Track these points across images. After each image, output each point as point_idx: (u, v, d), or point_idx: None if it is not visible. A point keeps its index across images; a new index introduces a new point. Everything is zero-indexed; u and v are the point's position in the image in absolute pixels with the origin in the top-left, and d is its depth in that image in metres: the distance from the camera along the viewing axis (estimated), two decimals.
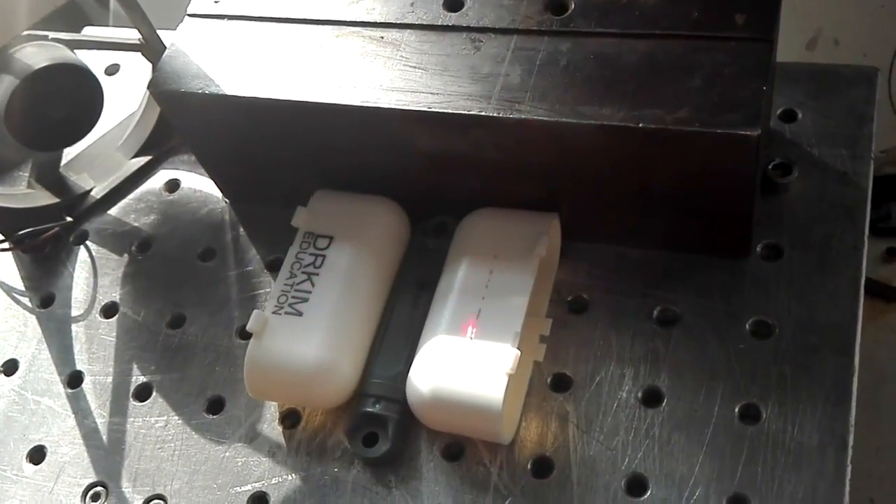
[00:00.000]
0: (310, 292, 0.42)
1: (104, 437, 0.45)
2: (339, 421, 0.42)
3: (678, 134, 0.36)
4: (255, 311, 0.42)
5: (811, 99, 0.46)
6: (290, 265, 0.43)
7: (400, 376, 0.41)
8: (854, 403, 0.38)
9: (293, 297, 0.42)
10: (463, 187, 0.44)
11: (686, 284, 0.42)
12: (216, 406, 0.45)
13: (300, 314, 0.42)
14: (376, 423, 0.41)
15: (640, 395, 0.40)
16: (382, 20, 0.43)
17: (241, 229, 0.50)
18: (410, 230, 0.46)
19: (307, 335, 0.41)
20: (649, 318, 0.42)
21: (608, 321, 0.42)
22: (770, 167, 0.44)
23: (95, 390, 0.47)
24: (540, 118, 0.38)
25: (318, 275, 0.43)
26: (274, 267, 0.48)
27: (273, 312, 0.42)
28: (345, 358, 0.42)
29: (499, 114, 0.39)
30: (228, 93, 0.43)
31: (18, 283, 0.52)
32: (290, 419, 0.43)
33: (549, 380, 0.42)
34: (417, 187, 0.45)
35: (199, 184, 0.52)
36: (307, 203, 0.46)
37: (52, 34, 0.49)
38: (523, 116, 0.38)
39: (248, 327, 0.42)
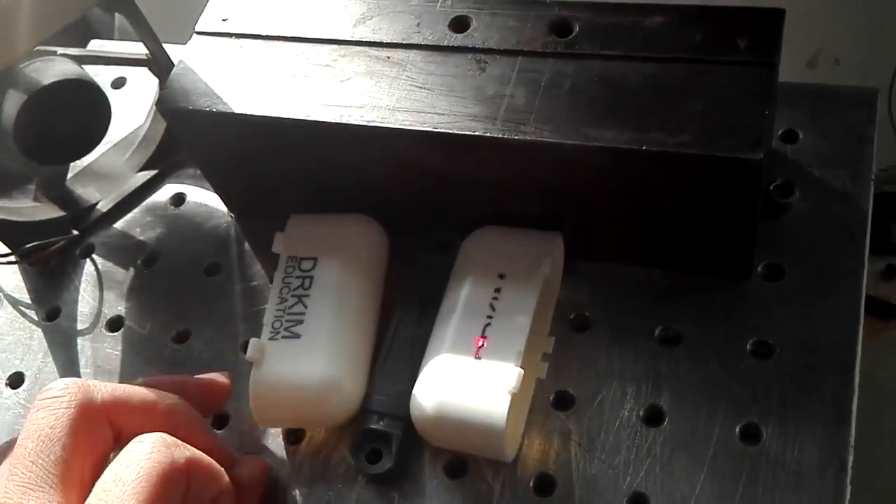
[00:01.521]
0: (304, 314, 0.43)
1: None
2: (343, 437, 0.43)
3: (681, 157, 0.37)
4: (252, 340, 0.42)
5: (812, 120, 0.46)
6: (279, 290, 0.44)
7: (403, 394, 0.41)
8: (854, 423, 0.38)
9: (287, 321, 0.43)
10: (467, 206, 0.44)
11: (688, 304, 0.43)
12: (221, 421, 0.45)
13: (298, 336, 0.42)
14: (380, 440, 0.41)
15: (641, 413, 0.40)
16: (388, 40, 0.43)
17: (246, 244, 0.51)
18: (389, 245, 0.46)
19: (309, 356, 0.41)
20: (651, 337, 0.42)
21: (610, 339, 0.43)
22: (772, 187, 0.44)
23: None
24: (544, 139, 0.39)
25: (308, 296, 0.43)
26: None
27: (270, 339, 0.42)
28: (348, 375, 0.42)
29: (504, 135, 0.39)
30: (236, 111, 0.43)
31: (24, 296, 0.52)
32: (294, 435, 0.44)
33: (551, 397, 0.42)
34: (422, 205, 0.46)
35: (204, 198, 0.53)
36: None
37: (60, 49, 0.50)
38: (528, 138, 0.39)
39: (248, 356, 0.42)
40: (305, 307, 0.43)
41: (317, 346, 0.42)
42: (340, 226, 0.46)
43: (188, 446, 0.36)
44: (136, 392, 0.38)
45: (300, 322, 0.42)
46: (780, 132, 0.46)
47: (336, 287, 0.43)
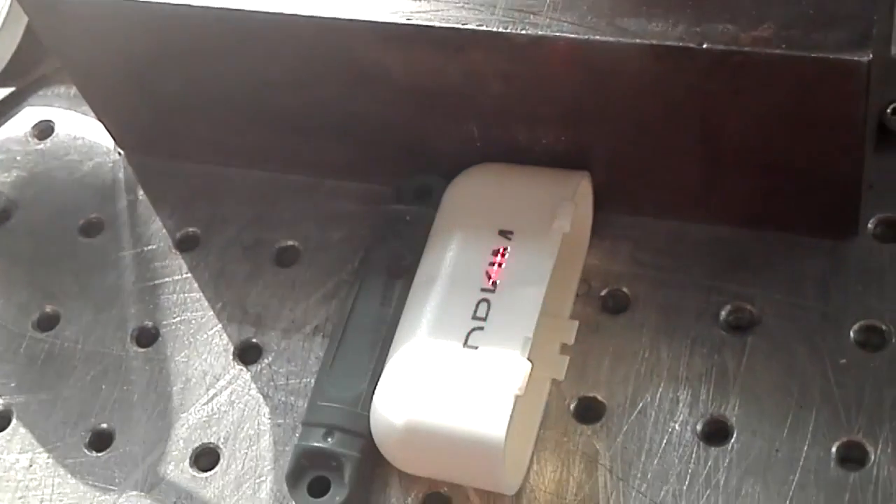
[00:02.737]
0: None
1: None
2: (275, 461, 0.43)
3: (757, 59, 0.37)
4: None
5: None
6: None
7: (362, 398, 0.42)
8: None
9: None
10: (456, 135, 0.45)
11: (768, 275, 0.43)
12: (103, 440, 0.46)
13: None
14: (328, 464, 0.42)
15: (699, 427, 0.41)
16: None
17: (141, 192, 0.51)
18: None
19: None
20: (715, 322, 0.43)
21: (657, 325, 0.43)
22: (889, 111, 0.45)
23: None
24: (564, 35, 0.39)
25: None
26: (187, 245, 0.49)
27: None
28: None
29: (506, 29, 0.40)
30: None
31: None
32: (205, 458, 0.44)
33: (572, 406, 0.43)
34: (392, 136, 0.46)
35: (81, 128, 0.53)
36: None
37: None
38: (540, 33, 0.39)
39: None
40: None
41: None
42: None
43: None
44: None
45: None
46: None
47: None
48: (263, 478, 0.43)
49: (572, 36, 0.39)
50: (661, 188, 0.45)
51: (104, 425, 0.46)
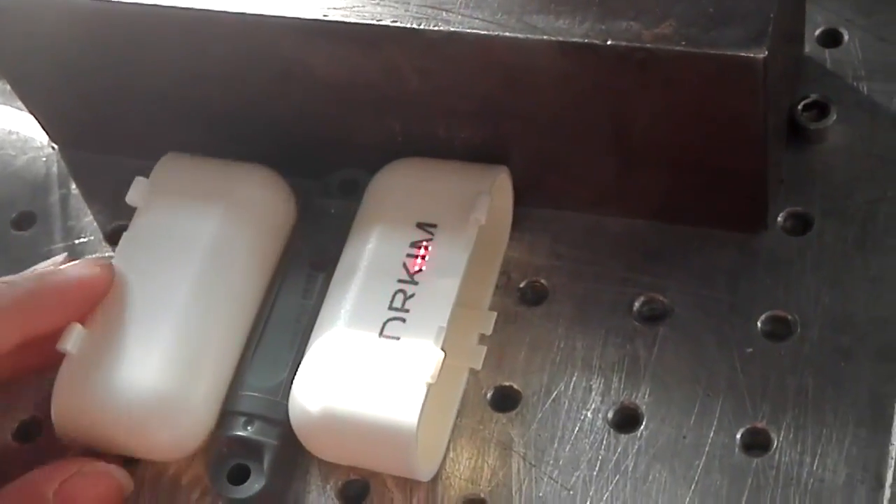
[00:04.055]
0: (154, 295, 0.44)
1: None
2: (197, 451, 0.44)
3: (659, 56, 0.38)
4: (72, 325, 0.43)
5: (861, 15, 0.48)
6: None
7: (282, 388, 0.43)
8: None
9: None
10: (377, 130, 0.46)
11: (680, 267, 0.45)
12: (31, 431, 0.46)
13: (133, 327, 0.43)
14: (248, 453, 0.43)
15: (610, 415, 0.42)
16: None
17: (73, 186, 0.52)
18: (296, 210, 0.48)
19: (142, 356, 0.43)
20: (629, 312, 0.44)
21: (573, 316, 0.44)
22: (800, 107, 0.46)
23: None
24: (474, 31, 0.40)
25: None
26: (118, 238, 0.50)
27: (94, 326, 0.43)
28: (196, 388, 0.43)
29: (419, 25, 0.41)
30: None
31: None
32: None
33: (489, 395, 0.44)
34: (315, 130, 0.47)
35: (15, 122, 0.54)
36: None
37: None
38: (452, 29, 0.40)
39: (59, 345, 0.43)
40: (160, 286, 0.44)
41: (155, 346, 0.43)
42: (229, 177, 0.47)
43: None
44: None
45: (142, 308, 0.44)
46: (817, 32, 0.48)
47: (205, 262, 0.45)
48: (185, 467, 0.44)
49: (482, 32, 0.40)
50: (578, 182, 0.46)
51: (33, 416, 0.46)
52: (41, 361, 0.44)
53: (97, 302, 0.44)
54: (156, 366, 0.42)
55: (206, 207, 0.46)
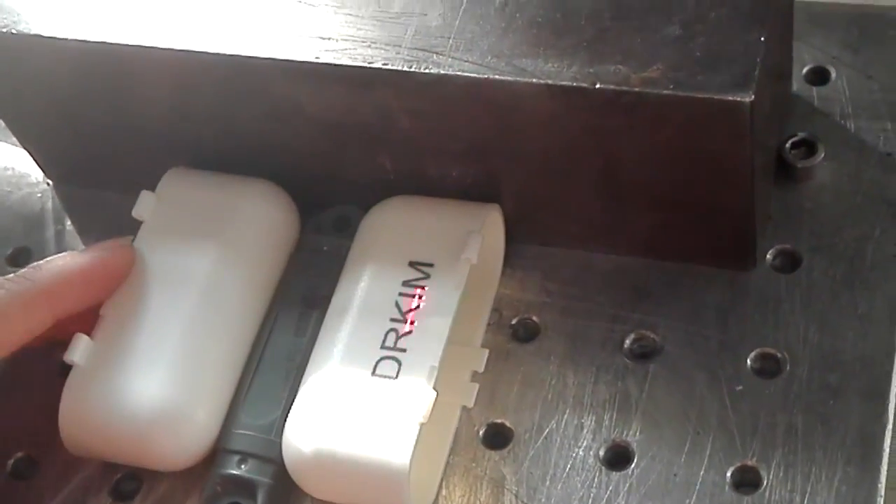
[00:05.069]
0: (153, 310, 0.45)
1: None
2: (192, 487, 0.44)
3: (647, 99, 0.39)
4: (77, 336, 0.44)
5: (848, 53, 0.49)
6: None
7: (275, 426, 0.43)
8: (885, 464, 0.40)
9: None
10: (369, 168, 0.46)
11: (670, 304, 0.45)
12: (28, 468, 0.46)
13: (140, 339, 0.44)
14: (242, 491, 0.43)
15: (602, 452, 0.42)
16: None
17: (69, 222, 0.52)
18: (299, 225, 0.49)
19: (147, 367, 0.43)
20: (619, 350, 0.44)
21: (565, 353, 0.45)
22: (788, 145, 0.47)
23: None
24: (465, 74, 0.40)
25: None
26: None
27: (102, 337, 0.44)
28: (200, 400, 0.44)
29: (410, 67, 0.41)
30: (46, 34, 0.45)
31: None
32: (125, 485, 0.45)
33: (481, 432, 0.44)
34: (308, 169, 0.48)
35: (10, 158, 0.54)
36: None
37: None
38: (442, 72, 0.41)
39: (66, 356, 0.44)
40: (166, 298, 0.45)
41: (160, 356, 0.44)
42: (233, 192, 0.48)
43: None
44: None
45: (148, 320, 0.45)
46: (804, 70, 0.49)
47: (206, 278, 0.45)
48: (180, 502, 0.44)
49: (472, 75, 0.40)
50: (568, 220, 0.46)
51: (27, 455, 0.46)
52: (78, 328, 0.45)
53: (121, 281, 0.46)
54: (161, 377, 0.43)
55: (212, 221, 0.47)
